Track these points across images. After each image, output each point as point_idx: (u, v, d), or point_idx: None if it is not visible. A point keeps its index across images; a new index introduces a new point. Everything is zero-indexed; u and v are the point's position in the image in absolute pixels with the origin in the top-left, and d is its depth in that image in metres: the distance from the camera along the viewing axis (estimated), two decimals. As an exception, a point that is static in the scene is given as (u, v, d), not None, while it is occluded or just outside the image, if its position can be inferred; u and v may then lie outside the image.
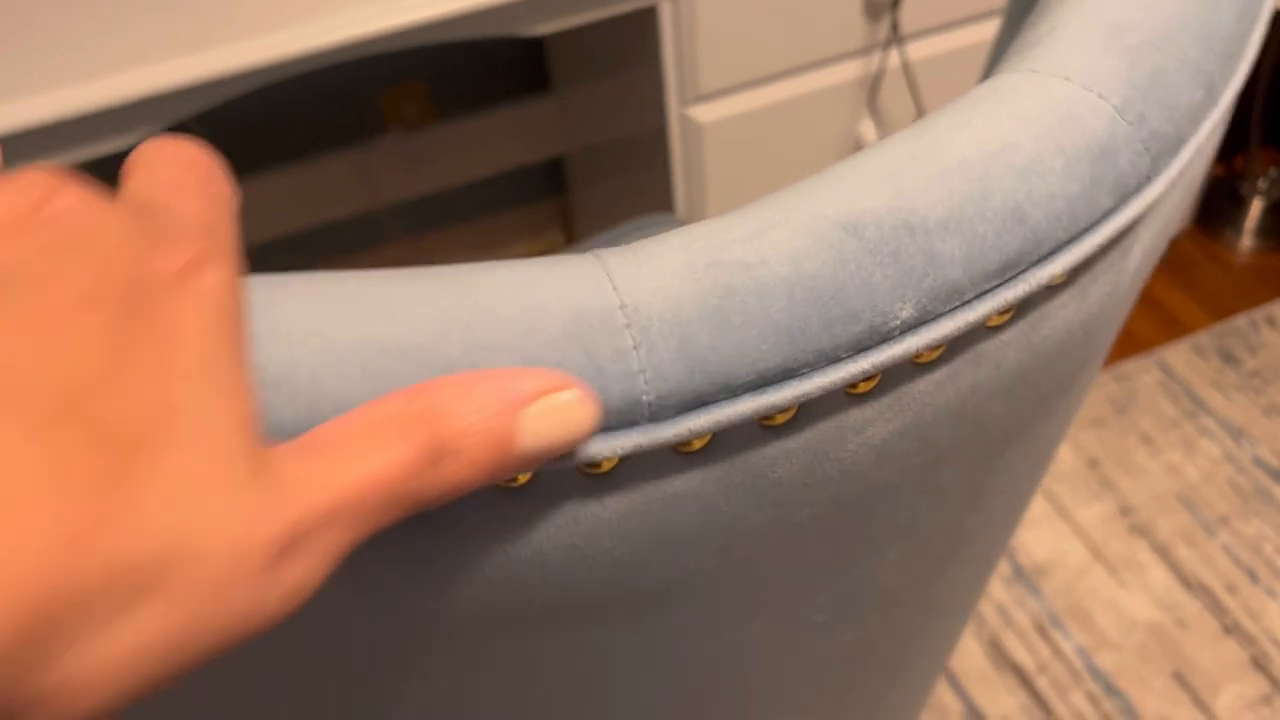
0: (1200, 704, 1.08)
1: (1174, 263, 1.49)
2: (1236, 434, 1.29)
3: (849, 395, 0.26)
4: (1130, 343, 1.41)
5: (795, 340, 0.24)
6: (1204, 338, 1.40)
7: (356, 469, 0.21)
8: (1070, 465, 1.29)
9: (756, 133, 1.04)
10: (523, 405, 0.22)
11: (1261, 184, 1.51)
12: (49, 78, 0.75)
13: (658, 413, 0.24)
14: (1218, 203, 1.53)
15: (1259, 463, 1.27)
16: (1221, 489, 1.25)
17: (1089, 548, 1.21)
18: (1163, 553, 1.20)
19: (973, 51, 1.07)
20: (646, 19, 0.95)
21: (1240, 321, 1.41)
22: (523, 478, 0.24)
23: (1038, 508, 1.25)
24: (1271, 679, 1.10)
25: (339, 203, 1.36)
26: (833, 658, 0.39)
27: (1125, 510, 1.24)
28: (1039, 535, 1.22)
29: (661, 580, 0.28)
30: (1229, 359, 1.37)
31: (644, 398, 0.24)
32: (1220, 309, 1.44)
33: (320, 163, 1.31)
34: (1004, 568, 1.20)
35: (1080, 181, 0.27)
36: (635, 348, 0.24)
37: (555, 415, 0.22)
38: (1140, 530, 1.22)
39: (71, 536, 0.17)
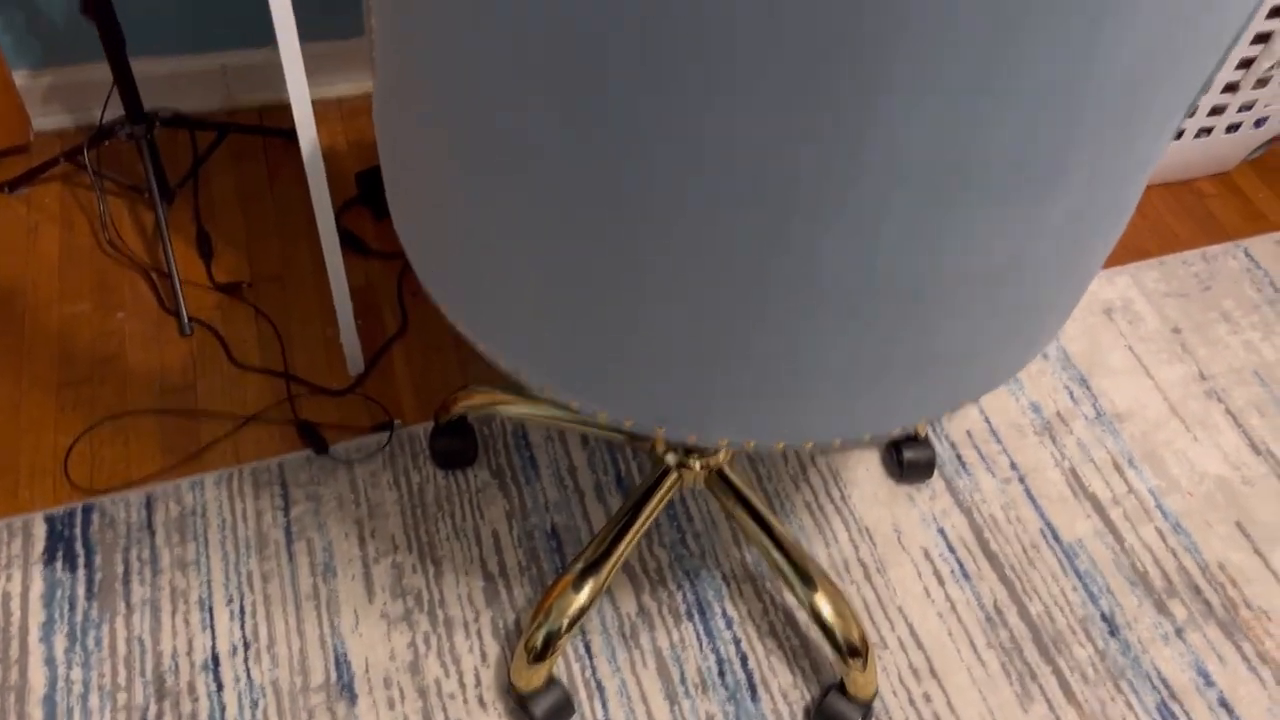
0: (1259, 553, 1.14)
1: (1266, 164, 1.53)
2: (1311, 326, 1.35)
3: None
4: (1219, 231, 1.45)
5: None
6: (1289, 236, 1.44)
7: None
8: (1154, 328, 1.33)
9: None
10: None
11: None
12: None
13: None
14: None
15: (1329, 355, 1.32)
16: (1293, 372, 1.30)
17: (1167, 403, 1.26)
18: (1235, 418, 1.25)
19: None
20: None
21: (1322, 228, 1.46)
22: None
23: (1121, 359, 1.29)
24: (1324, 542, 1.16)
25: None
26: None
27: (1203, 376, 1.29)
28: (1120, 384, 1.27)
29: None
30: (1309, 260, 1.42)
31: None
32: (1304, 214, 1.48)
33: None
34: (1087, 409, 1.24)
35: None
36: None
37: None
38: (1215, 395, 1.27)
39: None
